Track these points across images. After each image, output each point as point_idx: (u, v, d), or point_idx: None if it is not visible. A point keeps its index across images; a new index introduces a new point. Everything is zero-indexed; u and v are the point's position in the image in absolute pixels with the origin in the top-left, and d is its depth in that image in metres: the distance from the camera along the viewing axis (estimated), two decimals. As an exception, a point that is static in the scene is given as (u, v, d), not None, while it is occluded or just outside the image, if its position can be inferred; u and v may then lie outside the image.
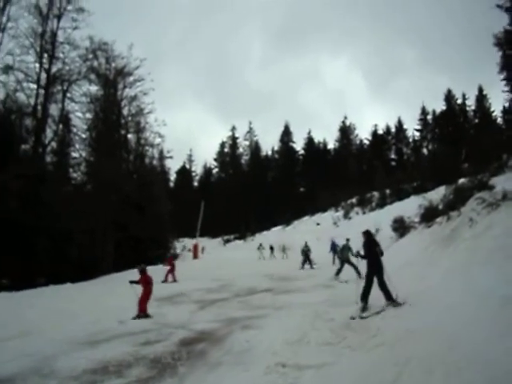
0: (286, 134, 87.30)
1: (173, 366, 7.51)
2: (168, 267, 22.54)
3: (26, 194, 24.62)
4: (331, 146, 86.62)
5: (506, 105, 49.40)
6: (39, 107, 29.93)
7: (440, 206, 17.89)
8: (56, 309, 13.07)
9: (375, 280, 10.20)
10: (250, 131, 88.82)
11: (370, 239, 11.24)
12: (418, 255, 13.98)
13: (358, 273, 14.57)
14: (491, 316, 6.13)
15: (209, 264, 30.15)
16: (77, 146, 33.56)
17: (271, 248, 40.24)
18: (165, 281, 21.14)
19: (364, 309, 9.96)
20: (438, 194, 19.60)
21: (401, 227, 23.98)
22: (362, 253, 11.07)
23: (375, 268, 10.38)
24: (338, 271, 18.44)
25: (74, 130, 33.13)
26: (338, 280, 17.70)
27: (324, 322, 9.38)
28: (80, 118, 32.83)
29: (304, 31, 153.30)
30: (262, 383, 6.35)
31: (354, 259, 15.93)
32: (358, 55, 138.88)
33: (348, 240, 19.35)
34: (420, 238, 17.35)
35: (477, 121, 72.42)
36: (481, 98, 73.15)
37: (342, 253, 19.43)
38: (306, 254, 25.92)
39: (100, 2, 34.87)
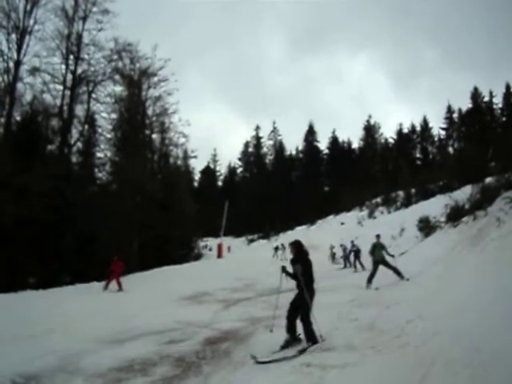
0: (311, 134, 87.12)
1: (197, 365, 7.53)
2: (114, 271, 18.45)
3: (52, 194, 24.86)
4: (356, 145, 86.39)
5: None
6: (65, 108, 30.32)
7: (466, 206, 17.69)
8: (81, 307, 13.18)
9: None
10: (274, 131, 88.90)
11: (303, 252, 8.85)
12: (444, 255, 13.82)
13: (399, 273, 14.78)
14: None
15: (233, 263, 30.18)
16: (102, 146, 34.01)
17: (276, 248, 38.59)
18: (106, 287, 17.88)
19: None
20: (464, 194, 19.36)
21: (426, 227, 23.80)
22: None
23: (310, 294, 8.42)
24: (371, 276, 15.24)
25: (99, 130, 33.58)
26: (370, 288, 14.82)
27: (348, 322, 9.34)
28: (105, 118, 33.26)
29: (323, 31, 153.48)
30: (286, 382, 6.34)
31: (390, 259, 15.55)
32: (378, 54, 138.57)
33: (378, 236, 16.64)
34: (446, 237, 17.15)
35: (504, 119, 71.48)
36: (508, 95, 72.23)
37: (373, 253, 16.04)
38: (356, 254, 24.38)
39: (124, 4, 35.17)
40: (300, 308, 8.34)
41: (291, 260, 8.92)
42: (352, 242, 25.91)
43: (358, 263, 23.70)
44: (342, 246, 28.41)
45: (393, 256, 15.71)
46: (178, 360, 7.87)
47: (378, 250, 16.14)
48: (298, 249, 8.83)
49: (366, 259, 19.62)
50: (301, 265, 8.49)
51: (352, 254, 25.11)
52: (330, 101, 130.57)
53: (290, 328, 8.33)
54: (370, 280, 15.37)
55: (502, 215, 11.26)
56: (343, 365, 6.56)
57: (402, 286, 12.81)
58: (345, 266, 26.44)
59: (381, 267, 15.43)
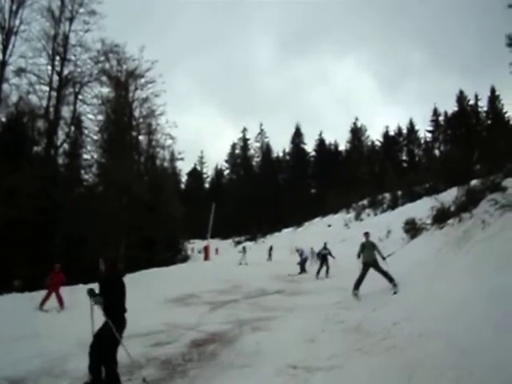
0: (298, 136, 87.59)
1: (183, 368, 7.55)
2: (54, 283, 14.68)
3: (40, 196, 24.76)
4: (342, 147, 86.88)
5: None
6: (51, 109, 30.23)
7: (452, 208, 17.80)
8: (67, 310, 13.14)
9: None
10: (261, 133, 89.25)
11: (115, 270, 7.44)
12: (430, 257, 13.87)
13: (391, 280, 12.54)
14: (504, 320, 6.09)
15: (219, 265, 30.17)
16: (88, 147, 33.89)
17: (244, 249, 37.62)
18: (42, 305, 13.67)
19: None
20: (449, 196, 19.46)
21: (412, 229, 23.89)
22: None
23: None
24: (359, 281, 13.20)
25: (86, 131, 33.47)
26: (358, 295, 13.06)
27: (334, 325, 9.38)
28: (91, 119, 33.15)
29: (311, 33, 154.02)
30: (272, 385, 6.36)
31: (383, 263, 13.25)
32: (365, 57, 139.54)
33: (367, 234, 14.32)
34: (432, 239, 17.21)
35: (489, 122, 72.19)
36: (493, 98, 73.03)
37: (363, 254, 13.68)
38: (323, 257, 23.14)
39: (111, 5, 35.09)
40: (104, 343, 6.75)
41: (99, 281, 7.12)
42: (325, 244, 24.58)
43: (324, 268, 22.83)
44: (298, 250, 28.23)
45: (384, 258, 13.49)
46: (164, 362, 7.89)
47: (367, 250, 13.70)
48: (110, 266, 7.09)
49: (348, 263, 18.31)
50: (114, 288, 6.79)
51: (319, 257, 24.11)
52: (317, 103, 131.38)
53: (94, 369, 6.81)
54: (357, 286, 13.18)
55: (487, 217, 11.35)
56: (329, 367, 6.60)
57: (389, 289, 12.86)
58: (301, 272, 25.90)
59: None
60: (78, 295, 16.27)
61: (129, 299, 13.65)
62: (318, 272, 22.67)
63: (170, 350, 8.60)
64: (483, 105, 75.17)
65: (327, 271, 22.71)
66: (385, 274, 13.04)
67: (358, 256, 14.27)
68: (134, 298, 14.60)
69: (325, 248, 23.89)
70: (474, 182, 18.82)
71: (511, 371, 4.94)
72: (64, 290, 14.74)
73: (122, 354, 8.03)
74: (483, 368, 5.17)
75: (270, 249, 39.33)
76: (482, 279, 8.03)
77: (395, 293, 11.98)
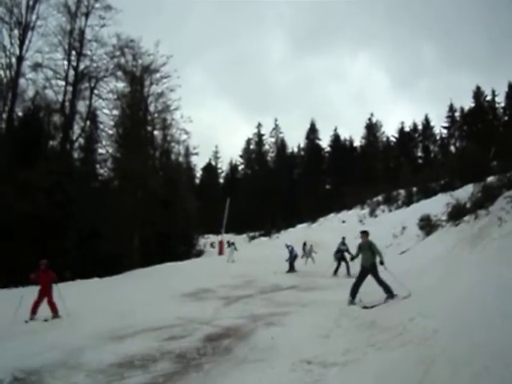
0: (312, 132, 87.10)
1: (198, 362, 7.54)
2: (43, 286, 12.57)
3: (55, 191, 24.90)
4: (357, 143, 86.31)
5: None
6: (67, 104, 30.40)
7: (468, 205, 17.72)
8: (83, 303, 13.20)
9: None
10: (276, 128, 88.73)
11: None
12: (446, 254, 13.84)
13: (389, 291, 11.26)
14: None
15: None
16: (104, 142, 34.07)
17: (229, 244, 35.25)
18: (32, 315, 11.83)
19: None
20: (465, 192, 19.40)
21: (427, 225, 23.85)
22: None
23: None
24: (355, 289, 11.83)
25: (101, 126, 33.70)
26: (355, 304, 11.50)
27: (349, 320, 9.37)
28: (107, 114, 33.31)
29: (325, 30, 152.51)
30: (287, 380, 6.34)
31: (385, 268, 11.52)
32: (379, 53, 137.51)
33: (365, 234, 12.55)
34: (447, 236, 17.19)
35: (506, 118, 71.52)
36: (511, 94, 72.17)
37: (361, 257, 12.20)
38: (342, 254, 21.30)
39: (127, 0, 35.12)
40: None
41: None
42: (343, 239, 22.32)
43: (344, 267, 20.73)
44: (288, 246, 26.06)
45: (382, 263, 11.59)
46: (178, 356, 7.89)
47: (364, 252, 12.10)
48: None
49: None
50: None
51: (337, 255, 21.73)
52: (332, 99, 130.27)
53: None
54: (353, 293, 11.79)
55: (503, 214, 11.29)
56: (344, 362, 6.59)
57: (403, 284, 12.81)
58: (290, 270, 24.14)
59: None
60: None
61: (143, 293, 13.72)
62: (336, 271, 20.82)
63: (185, 344, 8.60)
64: (500, 101, 74.37)
65: (348, 270, 20.16)
66: (381, 283, 11.53)
67: (352, 259, 14.21)
68: (149, 292, 14.75)
69: (343, 243, 21.94)
70: (490, 179, 18.74)
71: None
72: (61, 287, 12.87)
73: (140, 346, 8.08)
74: (498, 364, 5.14)
75: (229, 245, 34.59)
76: (497, 276, 7.97)
77: (387, 300, 11.10)
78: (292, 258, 24.99)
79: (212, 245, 50.28)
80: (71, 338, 9.07)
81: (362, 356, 6.71)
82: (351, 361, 6.57)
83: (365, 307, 10.51)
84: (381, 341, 7.32)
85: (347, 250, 21.21)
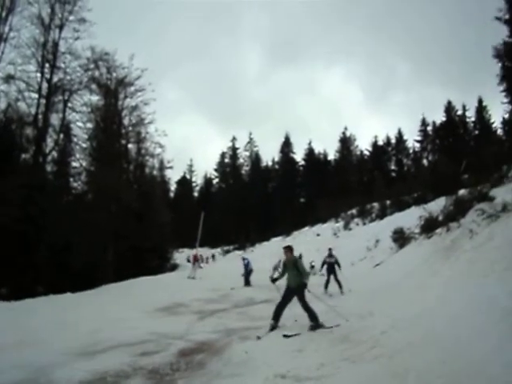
0: (287, 145, 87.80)
1: (171, 377, 7.49)
2: None
3: (27, 204, 24.61)
4: (331, 156, 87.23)
5: (506, 116, 49.72)
6: (40, 117, 29.98)
7: (440, 217, 17.92)
8: (54, 319, 13.00)
9: None
10: (251, 142, 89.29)
11: None
12: (419, 266, 13.95)
13: (313, 318, 10.19)
14: (492, 328, 6.10)
15: (208, 274, 30.08)
16: (77, 155, 33.68)
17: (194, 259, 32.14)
18: None
19: None
20: (437, 205, 19.63)
21: (401, 238, 24.09)
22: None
23: None
24: (278, 311, 10.61)
25: (75, 139, 33.26)
26: (274, 328, 10.37)
27: (322, 334, 9.35)
28: (81, 127, 32.89)
29: (299, 44, 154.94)
30: (261, 394, 6.32)
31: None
32: (353, 68, 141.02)
33: (288, 250, 10.99)
34: (420, 249, 17.37)
35: (477, 132, 73.01)
36: (480, 109, 73.87)
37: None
38: (331, 267, 18.89)
39: (102, 13, 35.05)
40: None
41: None
42: (330, 250, 19.93)
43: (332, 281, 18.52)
44: (244, 259, 25.65)
45: (305, 286, 10.35)
46: (151, 372, 7.81)
47: (289, 271, 10.68)
48: None
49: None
50: None
51: (325, 267, 19.33)
52: (307, 112, 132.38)
53: None
54: (275, 316, 10.53)
55: (474, 227, 11.45)
56: (318, 377, 6.57)
57: (377, 297, 12.84)
58: (246, 285, 23.33)
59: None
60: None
61: (116, 308, 13.56)
62: (327, 285, 18.51)
63: (158, 360, 8.51)
64: (471, 115, 76.10)
65: (340, 286, 18.15)
66: (307, 309, 10.28)
67: (273, 281, 11.29)
68: (122, 306, 14.58)
69: (330, 255, 19.55)
70: (461, 192, 18.98)
71: (497, 381, 4.97)
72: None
73: (112, 362, 7.99)
74: (470, 377, 5.19)
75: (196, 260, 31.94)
76: (469, 289, 8.05)
77: (312, 329, 9.91)
78: (247, 272, 24.35)
79: (188, 259, 50.18)
80: (41, 355, 8.88)
81: (335, 370, 6.70)
82: (325, 375, 6.55)
83: (285, 336, 9.49)
84: (354, 354, 7.33)
85: (337, 263, 19.15)
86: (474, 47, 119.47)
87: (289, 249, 11.06)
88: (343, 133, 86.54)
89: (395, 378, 5.84)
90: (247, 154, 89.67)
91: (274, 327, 10.40)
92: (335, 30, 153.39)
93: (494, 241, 9.55)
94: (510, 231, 9.29)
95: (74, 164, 34.10)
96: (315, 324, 10.06)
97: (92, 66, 32.48)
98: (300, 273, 10.47)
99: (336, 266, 18.96)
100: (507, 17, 11.40)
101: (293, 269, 10.59)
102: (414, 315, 8.57)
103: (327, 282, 18.69)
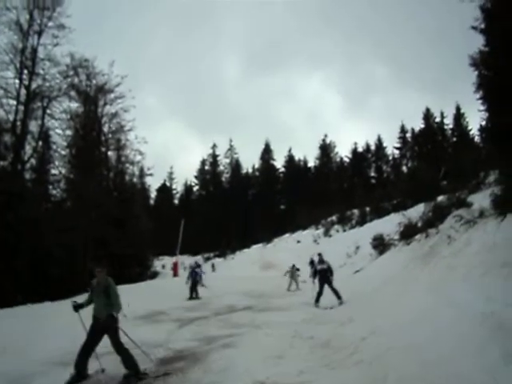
0: (267, 152, 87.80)
1: (150, 386, 7.42)
2: None
3: (5, 211, 24.38)
4: (312, 163, 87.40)
5: (483, 123, 50.27)
6: (18, 123, 29.71)
7: (419, 224, 18.05)
8: (33, 327, 12.91)
9: None
10: (231, 149, 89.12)
11: None
12: (398, 272, 14.05)
13: (134, 366, 8.48)
14: (470, 333, 6.18)
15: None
16: (56, 162, 33.47)
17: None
18: None
19: None
20: (416, 212, 19.77)
21: (380, 244, 24.18)
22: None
23: None
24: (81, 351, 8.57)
25: (54, 146, 33.03)
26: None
27: (303, 341, 9.39)
28: (60, 134, 32.70)
29: (279, 51, 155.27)
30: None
31: None
32: (332, 75, 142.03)
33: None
34: (399, 255, 17.47)
35: (455, 139, 73.76)
36: (458, 116, 74.67)
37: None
38: (323, 275, 16.28)
39: (81, 20, 35.00)
40: None
41: None
42: (320, 255, 17.78)
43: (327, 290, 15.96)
44: (195, 265, 24.38)
45: (113, 318, 8.25)
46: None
47: (98, 297, 8.56)
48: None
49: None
50: None
51: (317, 275, 16.77)
52: (287, 119, 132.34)
53: None
54: (77, 365, 8.10)
55: (452, 233, 11.57)
56: (298, 383, 6.58)
57: (357, 304, 12.91)
58: (191, 297, 21.32)
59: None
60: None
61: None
62: (318, 298, 16.01)
63: (137, 368, 8.43)
64: (449, 122, 77.12)
65: (338, 296, 15.60)
66: (121, 352, 8.15)
67: (76, 308, 8.90)
68: (101, 315, 14.43)
69: (322, 261, 17.06)
70: (440, 198, 19.17)
71: (475, 381, 5.05)
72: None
73: (91, 371, 7.94)
74: (450, 380, 5.26)
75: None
76: (448, 294, 8.14)
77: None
78: (192, 281, 22.03)
79: (163, 266, 50.00)
80: (20, 364, 8.82)
81: (315, 377, 6.74)
82: (305, 382, 6.58)
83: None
84: (334, 361, 7.38)
85: (329, 270, 16.64)
86: (452, 55, 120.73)
87: (99, 264, 9.06)
88: (323, 140, 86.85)
89: (373, 382, 5.90)
90: (227, 161, 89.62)
91: (73, 380, 7.80)
92: (314, 36, 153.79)
93: (471, 246, 9.66)
94: (487, 237, 9.39)
95: (53, 171, 33.88)
96: (133, 373, 7.93)
97: (71, 72, 32.40)
98: (111, 301, 8.22)
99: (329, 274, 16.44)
100: (483, 26, 11.58)
101: (102, 295, 8.37)
102: (394, 321, 8.64)
103: (319, 294, 16.07)
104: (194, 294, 21.60)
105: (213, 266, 52.02)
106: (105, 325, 8.10)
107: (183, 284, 23.56)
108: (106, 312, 8.11)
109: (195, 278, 22.36)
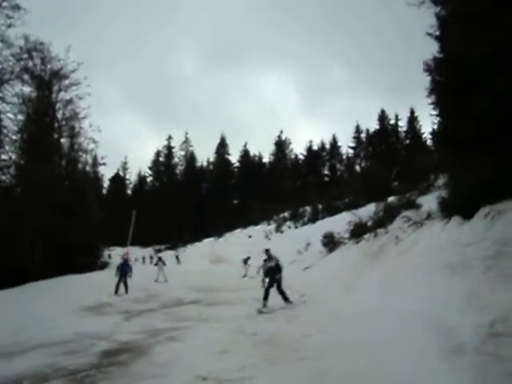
0: (222, 146, 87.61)
1: (92, 379, 7.31)
2: None
3: None
4: (266, 159, 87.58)
5: (435, 127, 51.29)
6: (-33, 106, 29.03)
7: (369, 223, 18.29)
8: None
9: None
10: (186, 141, 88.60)
11: None
12: (347, 271, 14.22)
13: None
14: (413, 332, 6.29)
15: (137, 274, 29.77)
16: (7, 147, 32.69)
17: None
18: None
19: None
20: (367, 211, 20.04)
21: (330, 242, 24.36)
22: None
23: None
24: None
25: (5, 131, 32.24)
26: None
27: (247, 336, 9.41)
28: (11, 119, 31.82)
29: (237, 45, 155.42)
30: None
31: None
32: (290, 72, 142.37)
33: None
34: (349, 253, 17.69)
35: (408, 141, 75.12)
36: (412, 119, 76.05)
37: None
38: (272, 272, 13.71)
39: (38, 2, 34.12)
40: None
41: None
42: (267, 251, 15.30)
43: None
44: (123, 259, 21.97)
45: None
46: (71, 373, 7.62)
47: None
48: None
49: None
50: None
51: (267, 272, 14.14)
52: (243, 114, 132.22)
53: None
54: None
55: (400, 233, 11.81)
56: (239, 379, 6.61)
57: (304, 300, 13.01)
58: (116, 291, 19.22)
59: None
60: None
61: (41, 307, 13.24)
62: (266, 296, 13.55)
63: (79, 361, 8.34)
64: (403, 125, 78.42)
65: (285, 298, 13.59)
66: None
67: None
68: (47, 305, 14.28)
69: (270, 257, 14.77)
70: (391, 199, 19.48)
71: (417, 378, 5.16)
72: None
73: (31, 364, 7.80)
74: (389, 378, 5.34)
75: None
76: (394, 293, 8.28)
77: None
78: (120, 276, 20.05)
79: (110, 256, 49.54)
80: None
81: (256, 372, 6.76)
82: (246, 377, 6.59)
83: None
84: (277, 357, 7.41)
85: (278, 268, 14.15)
86: (408, 59, 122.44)
87: None
88: (279, 136, 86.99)
89: (315, 379, 5.95)
90: (182, 153, 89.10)
91: None
92: (274, 33, 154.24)
93: (417, 247, 9.87)
94: (433, 238, 9.59)
95: (3, 157, 33.13)
96: None
97: (25, 55, 31.46)
98: None
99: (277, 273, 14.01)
100: (438, 33, 11.76)
101: None
102: (340, 319, 8.74)
103: (265, 297, 13.55)
104: (122, 289, 19.45)
105: (177, 257, 51.62)
106: None
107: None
108: None
109: (124, 272, 20.20)
